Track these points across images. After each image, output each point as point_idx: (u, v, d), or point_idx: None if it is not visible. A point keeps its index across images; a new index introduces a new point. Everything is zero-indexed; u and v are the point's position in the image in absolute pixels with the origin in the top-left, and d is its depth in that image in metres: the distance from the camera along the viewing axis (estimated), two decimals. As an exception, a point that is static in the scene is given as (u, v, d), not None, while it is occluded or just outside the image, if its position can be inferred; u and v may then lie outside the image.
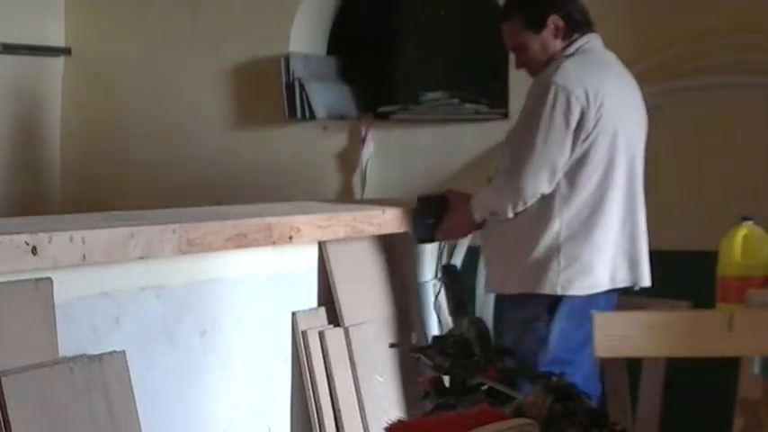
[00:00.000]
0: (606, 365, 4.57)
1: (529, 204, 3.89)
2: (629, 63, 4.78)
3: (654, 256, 4.72)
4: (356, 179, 5.35)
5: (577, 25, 4.01)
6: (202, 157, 5.67)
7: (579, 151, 3.87)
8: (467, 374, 2.76)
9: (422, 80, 5.45)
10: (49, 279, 2.94)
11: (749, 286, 4.02)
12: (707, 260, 4.21)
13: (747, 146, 4.68)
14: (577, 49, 3.97)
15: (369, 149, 5.30)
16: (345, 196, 5.33)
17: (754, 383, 3.92)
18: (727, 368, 4.09)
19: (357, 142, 5.34)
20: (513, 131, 4.03)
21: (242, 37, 5.56)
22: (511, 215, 3.92)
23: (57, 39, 5.93)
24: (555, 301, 3.89)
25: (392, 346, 4.06)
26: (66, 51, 5.95)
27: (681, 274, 4.61)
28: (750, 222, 4.20)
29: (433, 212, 4.21)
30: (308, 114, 5.37)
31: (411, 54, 5.83)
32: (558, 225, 3.88)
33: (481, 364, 2.76)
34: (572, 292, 3.88)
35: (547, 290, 3.88)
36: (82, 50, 5.94)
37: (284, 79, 5.41)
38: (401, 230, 4.31)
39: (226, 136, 5.63)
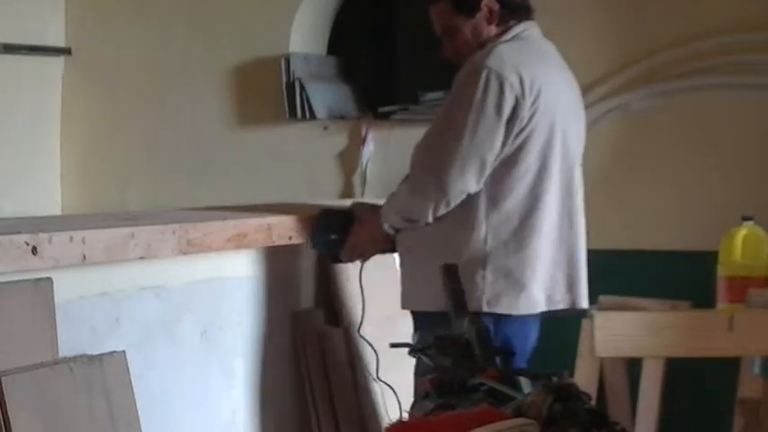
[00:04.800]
0: (607, 366, 4.57)
1: (453, 205, 3.46)
2: (627, 64, 4.81)
3: (654, 256, 4.74)
4: (356, 179, 5.35)
5: (515, 10, 3.61)
6: (202, 158, 5.67)
7: (510, 148, 3.45)
8: (467, 374, 2.76)
9: (422, 80, 5.44)
10: (49, 279, 2.94)
11: (749, 286, 4.04)
12: (707, 260, 4.22)
13: (747, 146, 4.68)
14: (514, 36, 3.57)
15: (369, 149, 5.30)
16: (345, 196, 5.33)
17: (754, 383, 3.92)
18: (727, 368, 4.10)
19: (357, 142, 5.34)
20: (437, 121, 3.57)
21: (242, 37, 5.56)
22: (430, 219, 3.49)
23: (57, 39, 5.93)
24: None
25: (393, 345, 4.03)
26: (66, 51, 5.94)
27: (681, 274, 4.62)
28: (750, 222, 4.22)
29: (337, 227, 3.75)
30: (308, 114, 5.37)
31: (411, 54, 5.82)
32: (485, 231, 3.46)
33: (481, 365, 2.76)
34: (500, 309, 3.45)
35: (471, 306, 3.22)
36: (82, 50, 5.94)
37: (284, 79, 5.41)
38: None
39: (226, 136, 5.63)
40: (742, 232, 4.20)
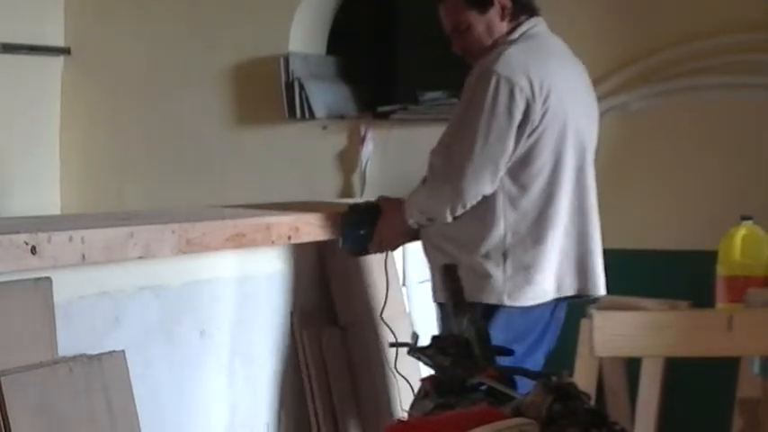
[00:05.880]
0: (606, 365, 4.57)
1: (469, 207, 3.57)
2: (625, 64, 4.81)
3: (654, 256, 4.74)
4: (356, 179, 5.35)
5: (525, 7, 3.67)
6: (202, 158, 5.67)
7: (524, 147, 3.54)
8: (467, 374, 2.76)
9: (422, 80, 5.44)
10: (49, 279, 2.94)
11: (749, 286, 4.03)
12: (706, 260, 4.22)
13: (747, 146, 4.68)
14: (522, 35, 3.64)
15: (368, 149, 5.30)
16: (345, 196, 5.33)
17: (754, 383, 3.92)
18: (727, 368, 4.10)
19: (357, 142, 5.34)
20: (450, 126, 3.66)
21: (242, 37, 5.56)
22: (449, 219, 3.61)
23: (57, 39, 5.93)
24: (490, 311, 3.56)
25: (392, 345, 4.04)
26: (66, 51, 5.94)
27: (681, 274, 4.62)
28: (750, 222, 4.21)
29: (365, 222, 3.86)
30: (307, 114, 5.37)
31: (411, 53, 5.82)
32: (504, 228, 3.57)
33: (481, 364, 2.76)
34: (520, 302, 3.58)
35: (492, 299, 3.56)
36: (82, 50, 5.94)
37: (284, 79, 5.40)
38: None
39: (225, 136, 5.63)
40: (741, 232, 4.19)
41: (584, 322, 4.26)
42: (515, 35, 3.64)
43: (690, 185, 4.76)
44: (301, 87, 5.36)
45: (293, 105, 5.38)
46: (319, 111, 5.38)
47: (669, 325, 3.82)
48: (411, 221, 3.74)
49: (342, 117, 5.46)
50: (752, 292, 3.99)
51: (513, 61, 3.54)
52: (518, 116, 3.50)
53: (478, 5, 3.63)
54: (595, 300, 3.81)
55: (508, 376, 2.75)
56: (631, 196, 4.82)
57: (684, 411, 4.55)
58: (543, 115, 3.53)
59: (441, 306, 3.74)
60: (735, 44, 4.65)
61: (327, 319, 4.11)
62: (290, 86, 5.39)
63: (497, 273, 3.57)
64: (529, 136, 3.53)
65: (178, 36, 5.74)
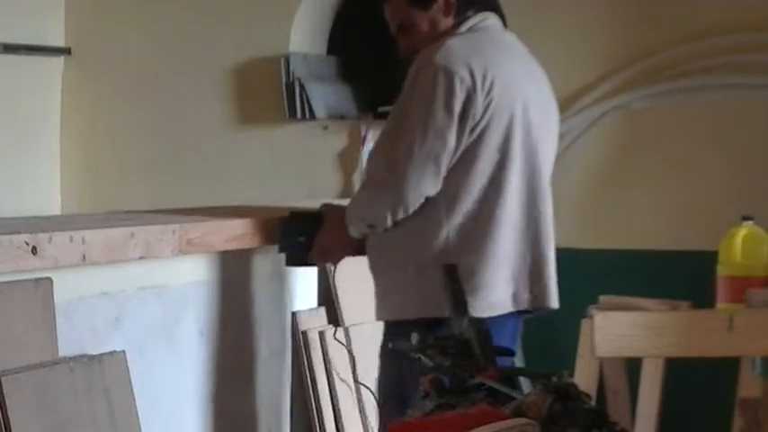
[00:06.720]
0: (606, 366, 4.57)
1: (411, 211, 3.27)
2: (627, 63, 4.81)
3: (654, 256, 4.74)
4: (356, 179, 5.35)
5: (472, 1, 3.41)
6: (202, 158, 5.67)
7: (467, 144, 3.25)
8: (467, 374, 2.76)
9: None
10: (49, 279, 2.94)
11: (749, 286, 4.04)
12: (707, 260, 4.22)
13: (747, 146, 4.69)
14: (469, 29, 3.38)
15: (369, 149, 5.30)
16: (345, 196, 5.32)
17: (754, 383, 3.93)
18: (727, 368, 4.10)
19: (357, 142, 5.34)
20: (388, 124, 3.41)
21: (242, 37, 5.56)
22: (389, 225, 3.30)
23: (57, 39, 5.93)
24: (435, 325, 3.11)
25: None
26: (66, 51, 5.94)
27: (681, 274, 4.62)
28: (750, 222, 4.22)
29: (305, 229, 3.55)
30: (308, 114, 5.37)
31: (411, 54, 5.81)
32: (447, 232, 3.27)
33: (481, 364, 2.76)
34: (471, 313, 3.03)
35: (435, 312, 3.14)
36: (82, 50, 5.94)
37: (284, 79, 5.41)
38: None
39: (226, 136, 5.64)
40: (742, 232, 4.20)
41: (584, 322, 4.26)
42: (462, 29, 3.39)
43: (690, 185, 4.76)
44: (302, 87, 5.36)
45: (294, 105, 5.39)
46: (320, 111, 5.39)
47: (669, 325, 3.83)
48: (352, 230, 3.42)
49: (342, 117, 5.46)
50: (752, 293, 4.00)
51: (452, 51, 3.29)
52: (458, 109, 3.23)
53: (421, 3, 3.41)
54: (548, 312, 3.44)
55: (509, 377, 2.74)
56: (631, 196, 4.82)
57: (685, 411, 4.55)
58: (487, 107, 3.26)
59: (387, 325, 3.46)
60: (736, 44, 4.66)
61: (328, 318, 4.11)
62: (290, 87, 5.39)
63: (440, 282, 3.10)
64: (471, 130, 3.26)
65: (178, 36, 5.74)
